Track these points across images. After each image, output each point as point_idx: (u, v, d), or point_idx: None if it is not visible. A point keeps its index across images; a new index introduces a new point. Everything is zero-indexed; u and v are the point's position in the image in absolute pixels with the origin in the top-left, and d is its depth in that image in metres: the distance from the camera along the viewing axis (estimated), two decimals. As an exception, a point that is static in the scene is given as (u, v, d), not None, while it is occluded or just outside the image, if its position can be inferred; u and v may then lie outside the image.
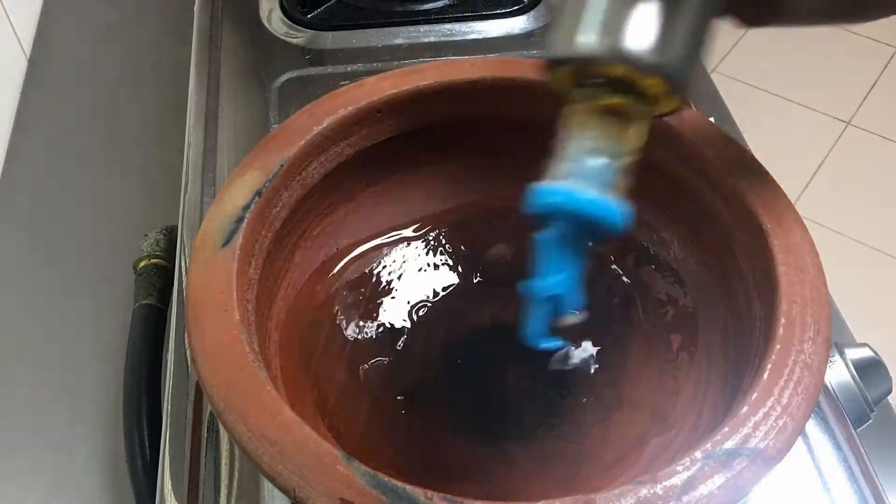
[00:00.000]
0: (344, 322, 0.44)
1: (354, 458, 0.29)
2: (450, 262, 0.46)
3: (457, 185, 0.48)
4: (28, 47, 0.78)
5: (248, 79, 0.61)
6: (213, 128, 0.55)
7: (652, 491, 0.28)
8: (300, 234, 0.43)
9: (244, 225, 0.37)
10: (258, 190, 0.38)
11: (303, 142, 0.40)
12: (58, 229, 0.64)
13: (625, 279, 0.45)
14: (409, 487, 0.28)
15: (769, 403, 0.31)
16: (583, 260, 0.32)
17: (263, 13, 0.65)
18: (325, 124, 0.41)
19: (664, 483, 0.28)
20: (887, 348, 0.48)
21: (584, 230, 0.31)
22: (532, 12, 0.64)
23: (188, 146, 0.55)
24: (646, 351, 0.42)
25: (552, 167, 0.31)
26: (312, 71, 0.61)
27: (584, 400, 0.41)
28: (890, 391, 0.45)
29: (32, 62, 0.77)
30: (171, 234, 0.55)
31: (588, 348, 0.42)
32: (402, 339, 0.43)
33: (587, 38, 0.29)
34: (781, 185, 0.38)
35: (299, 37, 0.63)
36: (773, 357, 0.32)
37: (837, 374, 0.43)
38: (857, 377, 0.43)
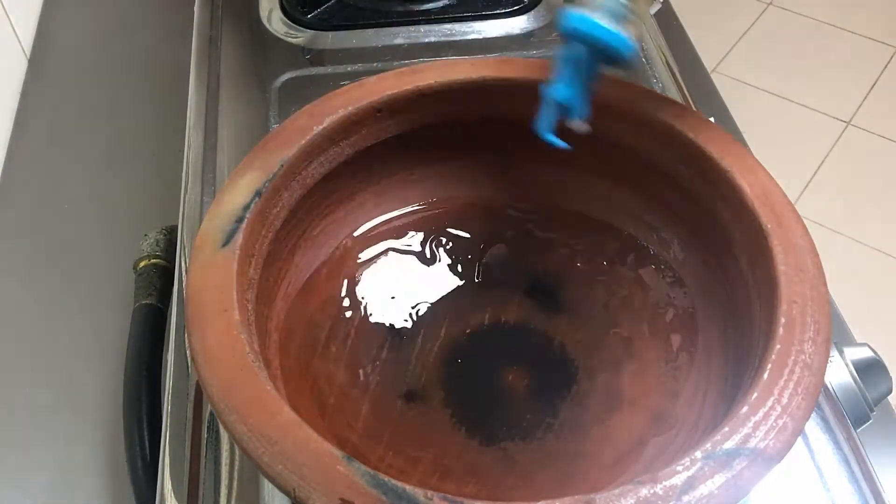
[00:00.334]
0: (344, 322, 0.44)
1: (354, 459, 0.29)
2: (449, 262, 0.46)
3: (457, 186, 0.48)
4: (28, 47, 0.78)
5: (248, 79, 0.61)
6: (213, 128, 0.55)
7: (652, 491, 0.28)
8: (300, 234, 0.43)
9: (244, 225, 0.37)
10: (258, 190, 0.38)
11: (303, 142, 0.40)
12: (58, 229, 0.64)
13: (625, 279, 0.45)
14: (409, 487, 0.28)
15: (769, 403, 0.31)
16: (593, 80, 0.38)
17: (263, 13, 0.65)
18: (325, 124, 0.41)
19: (664, 483, 0.28)
20: (887, 348, 0.48)
21: (596, 54, 0.37)
22: (532, 12, 0.64)
23: (188, 146, 0.55)
24: (646, 351, 0.42)
25: (578, 1, 0.36)
26: (312, 71, 0.61)
27: (584, 400, 0.41)
28: (890, 391, 0.45)
29: (32, 62, 0.77)
30: (171, 234, 0.55)
31: (588, 343, 0.42)
32: (402, 339, 0.43)
33: None
34: (781, 185, 0.38)
35: (299, 37, 0.63)
36: (774, 357, 0.32)
37: (837, 374, 0.43)
38: (857, 377, 0.43)
